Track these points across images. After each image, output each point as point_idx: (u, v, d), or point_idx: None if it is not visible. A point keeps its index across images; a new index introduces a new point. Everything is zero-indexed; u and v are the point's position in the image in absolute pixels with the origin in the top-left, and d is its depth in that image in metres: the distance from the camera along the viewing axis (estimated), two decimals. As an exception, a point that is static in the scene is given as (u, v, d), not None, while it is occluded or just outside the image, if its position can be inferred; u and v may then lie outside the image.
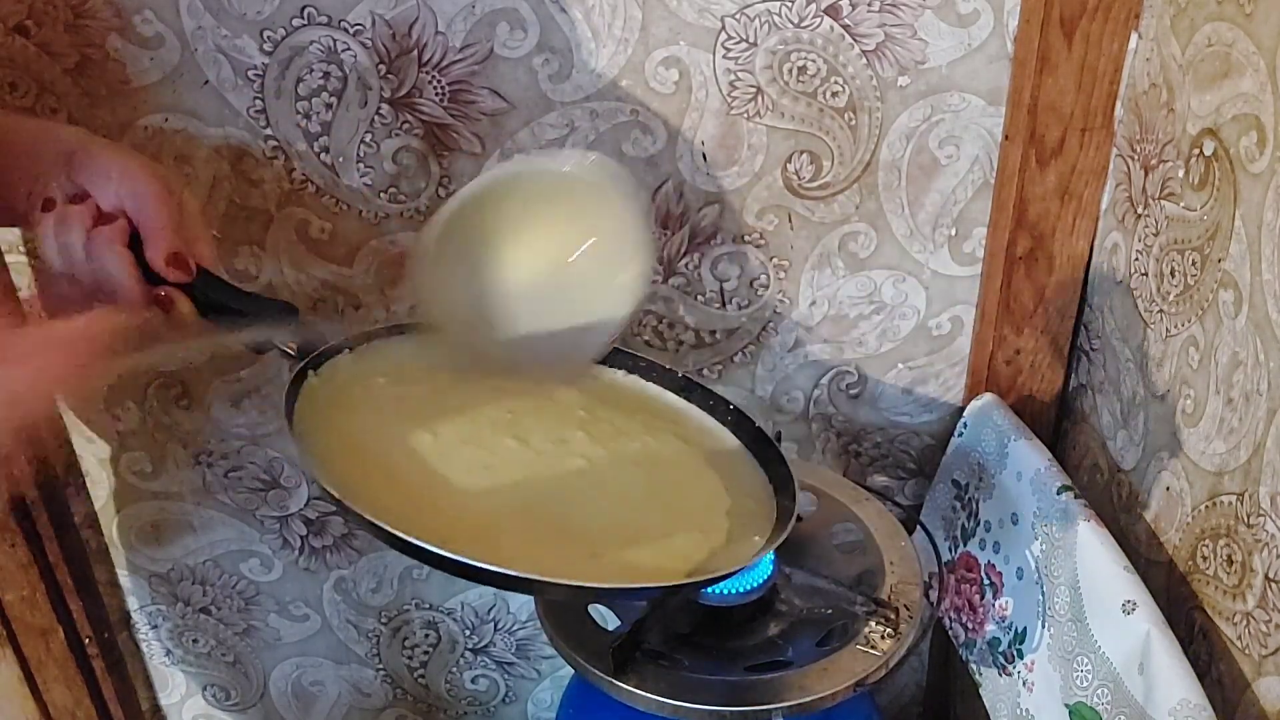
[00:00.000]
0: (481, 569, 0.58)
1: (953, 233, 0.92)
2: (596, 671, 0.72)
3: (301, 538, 1.04)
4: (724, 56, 0.83)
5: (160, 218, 0.64)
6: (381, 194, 0.87)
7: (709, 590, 0.75)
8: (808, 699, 0.70)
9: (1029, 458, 0.87)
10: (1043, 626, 0.85)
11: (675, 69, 0.84)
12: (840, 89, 0.85)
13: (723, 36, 0.82)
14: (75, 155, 0.65)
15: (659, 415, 0.78)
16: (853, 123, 0.87)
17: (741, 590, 0.76)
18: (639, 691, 0.70)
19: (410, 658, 1.14)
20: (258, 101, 0.83)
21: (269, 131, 0.84)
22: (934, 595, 0.78)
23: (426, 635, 1.12)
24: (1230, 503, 0.72)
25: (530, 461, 0.70)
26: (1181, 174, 0.76)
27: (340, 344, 0.72)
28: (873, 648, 0.73)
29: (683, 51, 0.83)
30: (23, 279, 0.89)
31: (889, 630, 0.74)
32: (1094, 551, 0.79)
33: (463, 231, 0.69)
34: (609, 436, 0.73)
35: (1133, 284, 0.84)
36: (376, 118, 0.84)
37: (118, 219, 0.64)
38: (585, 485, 0.70)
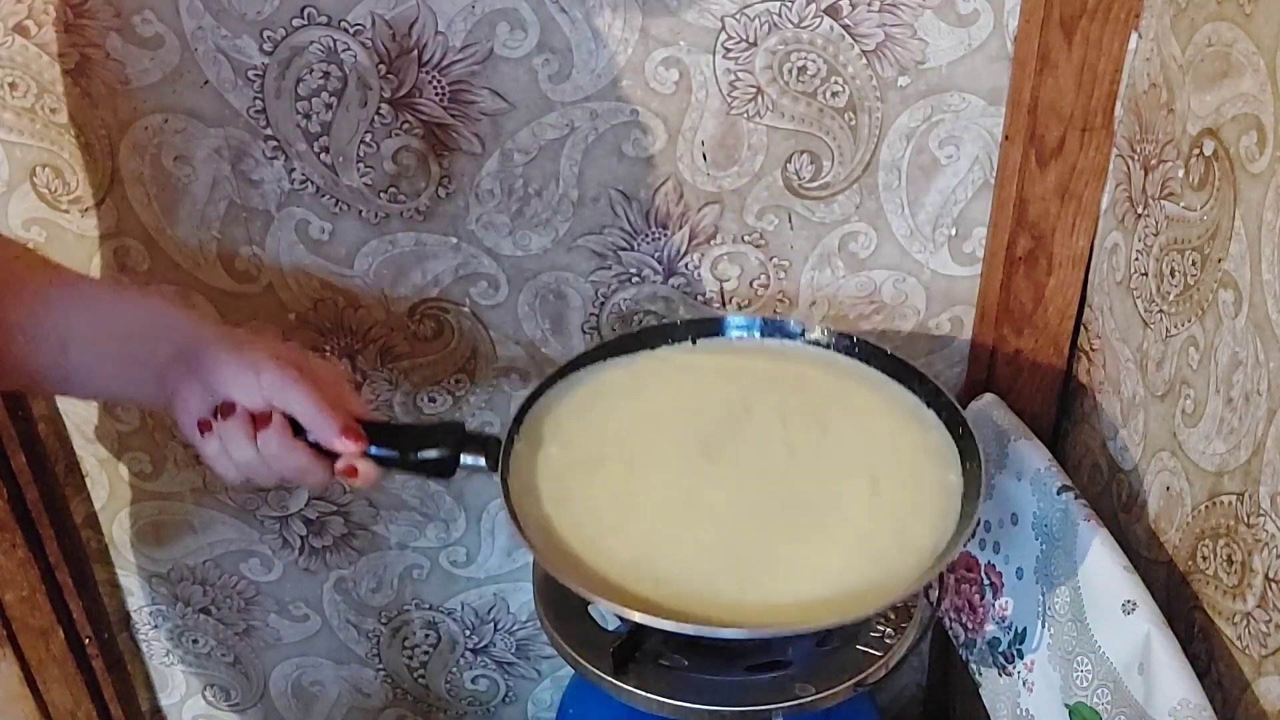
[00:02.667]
0: None
1: (953, 233, 0.92)
2: (596, 671, 0.72)
3: (301, 538, 1.04)
4: (724, 56, 0.83)
5: (314, 403, 0.66)
6: (381, 194, 0.87)
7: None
8: (807, 699, 0.69)
9: (1029, 458, 0.87)
10: (1043, 626, 0.84)
11: (675, 69, 0.84)
12: (840, 89, 0.85)
13: (723, 36, 0.82)
14: (201, 360, 0.66)
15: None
16: (853, 123, 0.87)
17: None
18: (639, 691, 0.70)
19: (410, 658, 1.14)
20: (258, 101, 0.83)
21: (269, 131, 0.84)
22: (934, 595, 0.78)
23: (426, 635, 1.12)
24: (1230, 503, 0.72)
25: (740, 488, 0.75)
26: (1181, 174, 0.76)
27: (505, 438, 0.74)
28: (872, 648, 0.73)
29: (683, 51, 0.83)
30: (23, 279, 0.90)
31: (889, 630, 0.74)
32: (1094, 551, 0.79)
33: None
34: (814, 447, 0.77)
35: (1133, 284, 0.84)
36: (376, 118, 0.84)
37: (272, 416, 0.66)
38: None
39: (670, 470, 0.75)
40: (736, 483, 0.74)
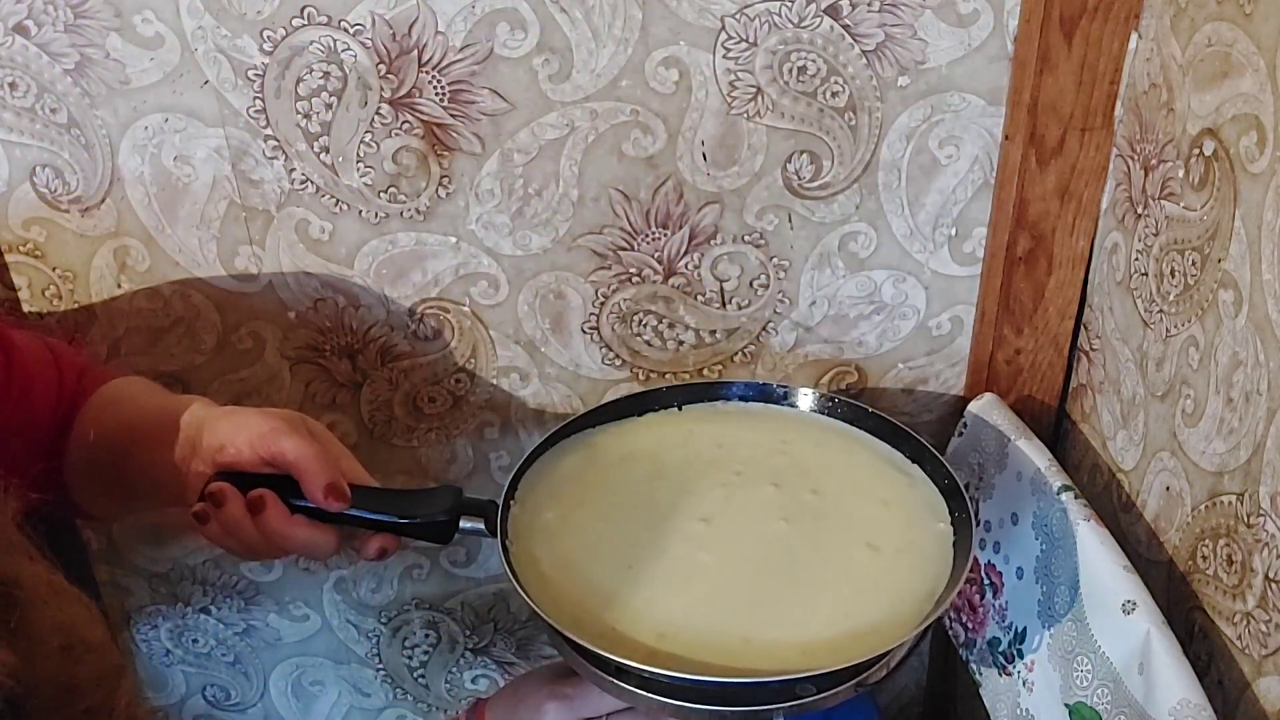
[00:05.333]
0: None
1: (953, 233, 0.92)
2: (598, 672, 0.72)
3: (301, 538, 1.04)
4: (724, 56, 0.83)
5: (306, 455, 0.69)
6: (381, 194, 0.87)
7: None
8: (809, 699, 0.70)
9: (1029, 458, 0.87)
10: (1043, 626, 0.85)
11: (675, 69, 0.84)
12: (840, 89, 0.85)
13: (723, 36, 0.82)
14: (204, 428, 0.70)
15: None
16: (853, 123, 0.87)
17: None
18: (640, 692, 0.70)
19: (410, 658, 1.14)
20: (258, 101, 0.83)
21: (269, 131, 0.84)
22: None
23: (426, 635, 1.12)
24: (1230, 503, 0.72)
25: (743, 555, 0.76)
26: (1181, 174, 0.76)
27: (501, 502, 0.77)
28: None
29: (683, 51, 0.83)
30: (23, 279, 0.90)
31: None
32: (1094, 551, 0.79)
33: None
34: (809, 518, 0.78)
35: (1133, 284, 0.84)
36: (376, 118, 0.84)
37: (265, 500, 0.68)
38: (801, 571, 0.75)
39: (667, 535, 0.77)
40: (734, 546, 0.76)
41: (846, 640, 0.70)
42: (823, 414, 0.88)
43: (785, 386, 0.89)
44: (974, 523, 0.77)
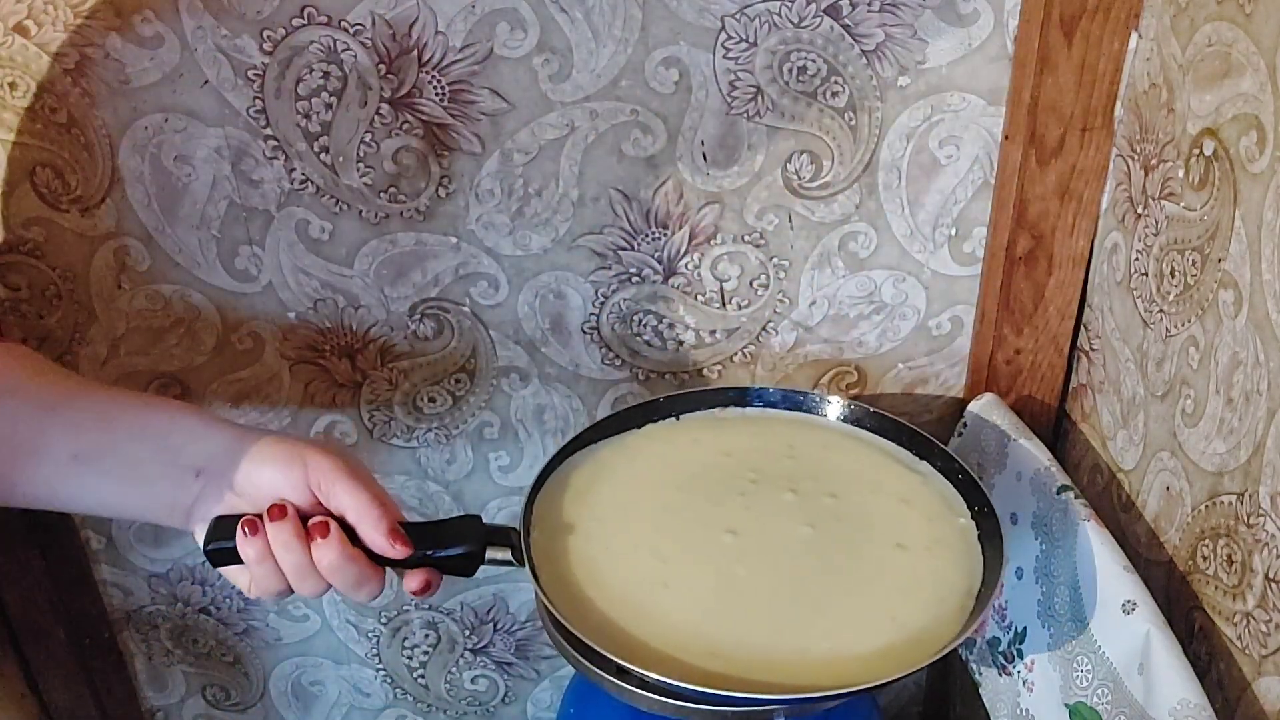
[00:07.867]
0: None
1: (953, 233, 0.92)
2: (599, 671, 0.72)
3: (301, 538, 1.04)
4: (724, 56, 0.83)
5: (365, 497, 0.64)
6: (381, 194, 0.87)
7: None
8: (809, 699, 0.69)
9: (1029, 458, 0.87)
10: (1043, 626, 0.85)
11: (675, 69, 0.84)
12: (840, 89, 0.85)
13: (723, 36, 0.83)
14: (239, 457, 0.65)
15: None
16: (853, 123, 0.87)
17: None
18: (640, 691, 0.70)
19: (410, 658, 1.14)
20: (258, 101, 0.83)
21: (269, 131, 0.84)
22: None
23: (426, 635, 1.12)
24: (1230, 503, 0.72)
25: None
26: (1181, 174, 0.76)
27: (521, 529, 0.74)
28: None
29: (683, 51, 0.83)
30: (23, 279, 0.90)
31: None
32: (1094, 551, 0.79)
33: None
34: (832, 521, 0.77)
35: (1133, 284, 0.84)
36: (376, 118, 0.84)
37: (329, 526, 0.63)
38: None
39: (697, 549, 0.75)
40: (766, 557, 0.74)
41: (904, 646, 0.68)
42: (824, 416, 0.87)
43: (800, 392, 0.87)
44: (996, 514, 0.75)
